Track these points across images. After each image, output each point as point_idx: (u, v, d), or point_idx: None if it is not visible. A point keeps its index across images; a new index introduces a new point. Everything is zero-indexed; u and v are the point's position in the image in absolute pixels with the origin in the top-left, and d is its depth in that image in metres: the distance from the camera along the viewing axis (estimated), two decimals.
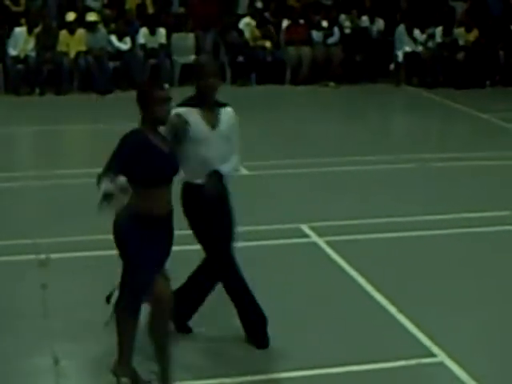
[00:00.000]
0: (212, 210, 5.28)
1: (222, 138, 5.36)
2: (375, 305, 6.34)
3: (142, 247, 4.74)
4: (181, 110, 5.33)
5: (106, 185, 4.58)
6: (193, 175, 5.32)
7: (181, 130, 5.23)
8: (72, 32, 15.38)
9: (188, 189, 5.39)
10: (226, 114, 5.45)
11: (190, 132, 5.27)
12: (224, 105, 5.50)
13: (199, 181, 5.28)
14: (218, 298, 5.62)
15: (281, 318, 5.66)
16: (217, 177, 5.27)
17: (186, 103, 5.38)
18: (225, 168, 5.32)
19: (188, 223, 5.41)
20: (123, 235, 4.77)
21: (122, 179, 4.63)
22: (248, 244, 7.24)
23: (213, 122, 5.36)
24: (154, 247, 4.75)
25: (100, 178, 4.61)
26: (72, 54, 15.33)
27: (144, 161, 4.69)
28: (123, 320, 4.85)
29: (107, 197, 4.54)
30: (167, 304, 4.82)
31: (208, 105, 5.37)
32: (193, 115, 5.31)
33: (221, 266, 5.42)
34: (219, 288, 5.52)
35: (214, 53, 16.35)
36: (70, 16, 15.43)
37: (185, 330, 5.62)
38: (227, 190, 5.43)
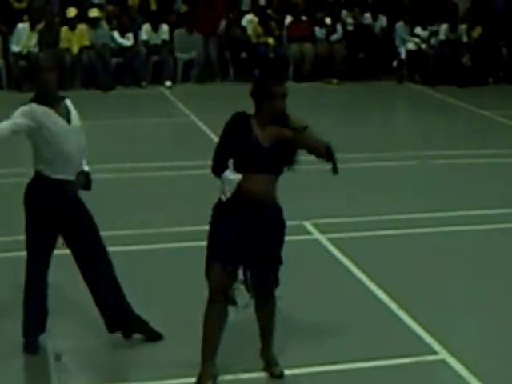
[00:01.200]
0: (59, 209, 5.29)
1: (78, 130, 5.34)
2: (377, 302, 6.34)
3: (222, 233, 4.80)
4: (37, 105, 5.24)
5: (231, 174, 4.78)
6: (53, 170, 5.27)
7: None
8: (73, 28, 15.37)
9: (45, 183, 5.33)
10: (71, 106, 5.38)
11: (50, 127, 5.20)
12: (64, 98, 5.41)
13: (60, 176, 5.26)
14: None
15: (282, 315, 5.65)
16: (86, 177, 5.34)
17: (34, 101, 5.29)
18: (86, 167, 5.38)
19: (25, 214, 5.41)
20: (211, 218, 4.88)
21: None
22: None
23: (65, 117, 5.30)
24: (235, 235, 4.79)
25: (215, 167, 4.80)
26: (75, 50, 15.33)
27: (236, 142, 4.76)
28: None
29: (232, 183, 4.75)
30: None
31: (51, 101, 5.28)
32: (47, 111, 5.23)
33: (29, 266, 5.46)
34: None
35: (219, 53, 16.33)
36: (71, 12, 15.41)
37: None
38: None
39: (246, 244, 4.85)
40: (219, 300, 4.87)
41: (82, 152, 5.36)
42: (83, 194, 5.44)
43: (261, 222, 4.87)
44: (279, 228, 5.01)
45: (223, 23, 16.52)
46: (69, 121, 5.30)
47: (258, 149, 4.78)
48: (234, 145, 4.79)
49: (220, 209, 4.88)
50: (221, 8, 16.61)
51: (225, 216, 4.85)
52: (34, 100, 5.30)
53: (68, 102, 5.41)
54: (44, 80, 5.25)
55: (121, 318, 5.57)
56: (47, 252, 5.45)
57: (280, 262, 5.07)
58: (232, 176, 4.81)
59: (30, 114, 5.21)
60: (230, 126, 4.82)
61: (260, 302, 5.13)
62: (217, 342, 4.96)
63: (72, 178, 5.29)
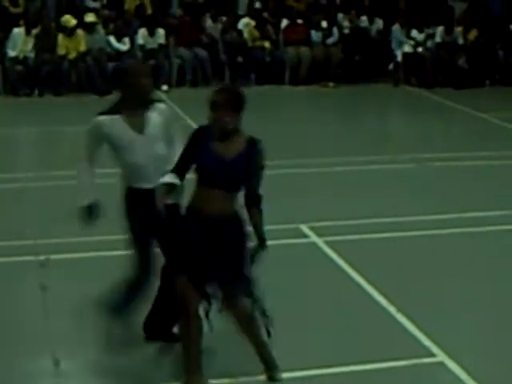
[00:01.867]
0: (147, 215, 5.20)
1: (152, 139, 5.23)
2: (374, 304, 6.34)
3: (181, 243, 4.79)
4: (101, 117, 5.26)
5: (170, 177, 4.78)
6: (130, 180, 5.29)
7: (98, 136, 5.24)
8: (71, 34, 15.32)
9: (129, 193, 5.34)
10: (156, 110, 5.29)
11: (115, 139, 5.20)
12: (154, 101, 5.34)
13: (138, 185, 5.24)
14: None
15: (279, 318, 5.65)
16: (166, 189, 5.09)
17: (107, 111, 5.30)
18: (167, 178, 5.12)
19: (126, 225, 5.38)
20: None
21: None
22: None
23: (139, 126, 5.22)
24: (191, 247, 4.77)
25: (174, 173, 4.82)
26: (72, 56, 15.28)
27: (196, 156, 4.75)
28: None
29: (166, 186, 4.74)
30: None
31: (134, 108, 5.23)
32: (114, 122, 5.21)
33: (140, 269, 5.38)
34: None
35: (215, 57, 16.32)
36: (71, 21, 15.31)
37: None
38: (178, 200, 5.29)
39: (206, 258, 4.77)
40: (188, 308, 4.78)
41: (157, 162, 5.21)
42: None
43: (219, 236, 4.78)
44: (239, 241, 4.87)
45: (205, 38, 16.54)
46: (141, 131, 5.22)
47: (218, 164, 4.73)
48: (196, 159, 4.76)
49: (182, 220, 4.88)
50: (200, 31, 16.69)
51: (185, 229, 4.82)
52: (110, 108, 5.33)
53: (152, 110, 5.28)
54: (142, 84, 5.18)
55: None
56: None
57: (247, 279, 4.91)
58: (167, 178, 4.79)
59: (94, 131, 5.28)
60: (192, 140, 4.79)
61: (233, 317, 5.03)
62: (197, 351, 4.86)
63: (149, 187, 5.12)
